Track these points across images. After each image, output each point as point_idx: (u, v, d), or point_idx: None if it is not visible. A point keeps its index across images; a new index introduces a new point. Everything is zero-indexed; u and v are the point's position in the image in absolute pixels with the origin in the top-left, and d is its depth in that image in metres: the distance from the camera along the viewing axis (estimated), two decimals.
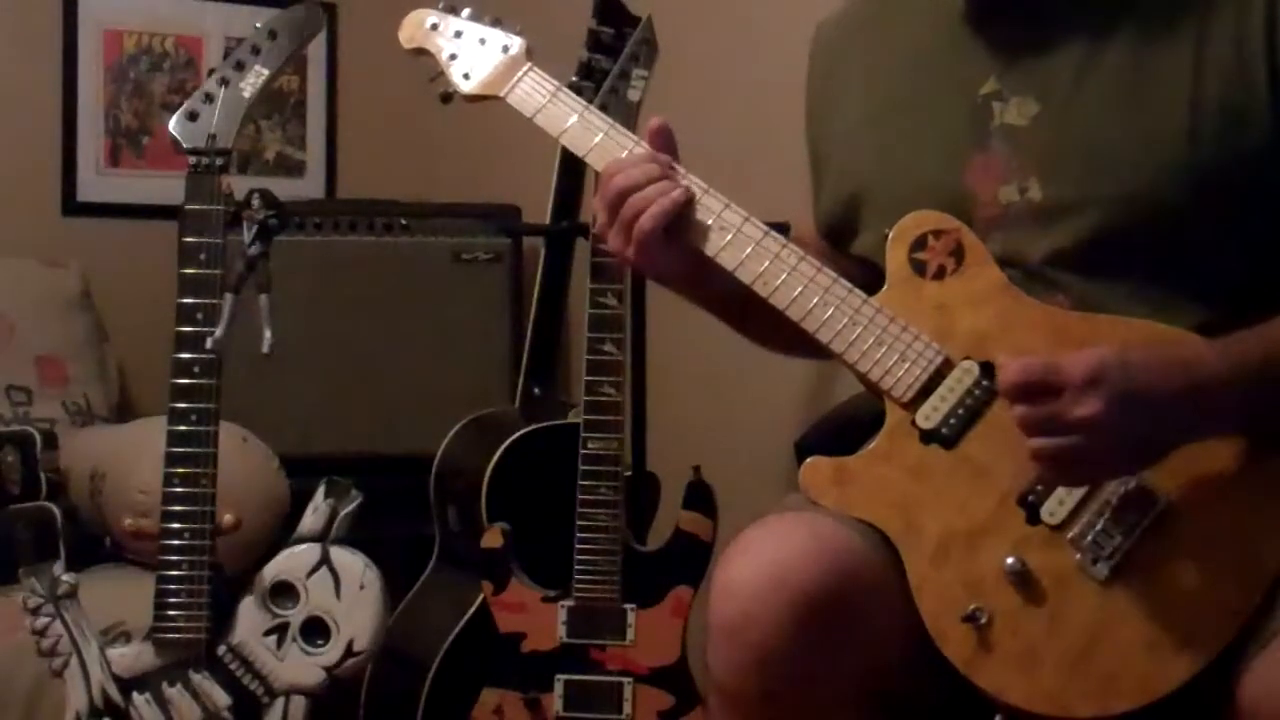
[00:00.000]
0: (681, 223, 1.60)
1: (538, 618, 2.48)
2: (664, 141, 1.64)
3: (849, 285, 1.59)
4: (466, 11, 1.77)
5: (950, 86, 1.65)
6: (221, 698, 2.11)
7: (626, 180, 1.59)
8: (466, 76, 1.75)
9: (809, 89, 1.84)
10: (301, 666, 2.13)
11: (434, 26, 1.77)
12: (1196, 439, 1.48)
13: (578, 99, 1.69)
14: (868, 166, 1.71)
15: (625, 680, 2.47)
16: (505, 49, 1.73)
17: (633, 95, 2.38)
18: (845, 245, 1.75)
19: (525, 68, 1.71)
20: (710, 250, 1.61)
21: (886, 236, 1.61)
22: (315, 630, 2.13)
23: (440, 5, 1.78)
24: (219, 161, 2.11)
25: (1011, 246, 1.59)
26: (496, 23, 1.76)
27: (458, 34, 1.76)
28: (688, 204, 1.59)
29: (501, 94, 1.72)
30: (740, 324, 1.80)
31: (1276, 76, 1.52)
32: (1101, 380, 1.42)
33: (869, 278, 1.64)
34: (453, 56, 1.75)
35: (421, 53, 1.78)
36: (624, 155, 1.63)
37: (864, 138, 1.72)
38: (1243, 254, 1.56)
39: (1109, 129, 1.56)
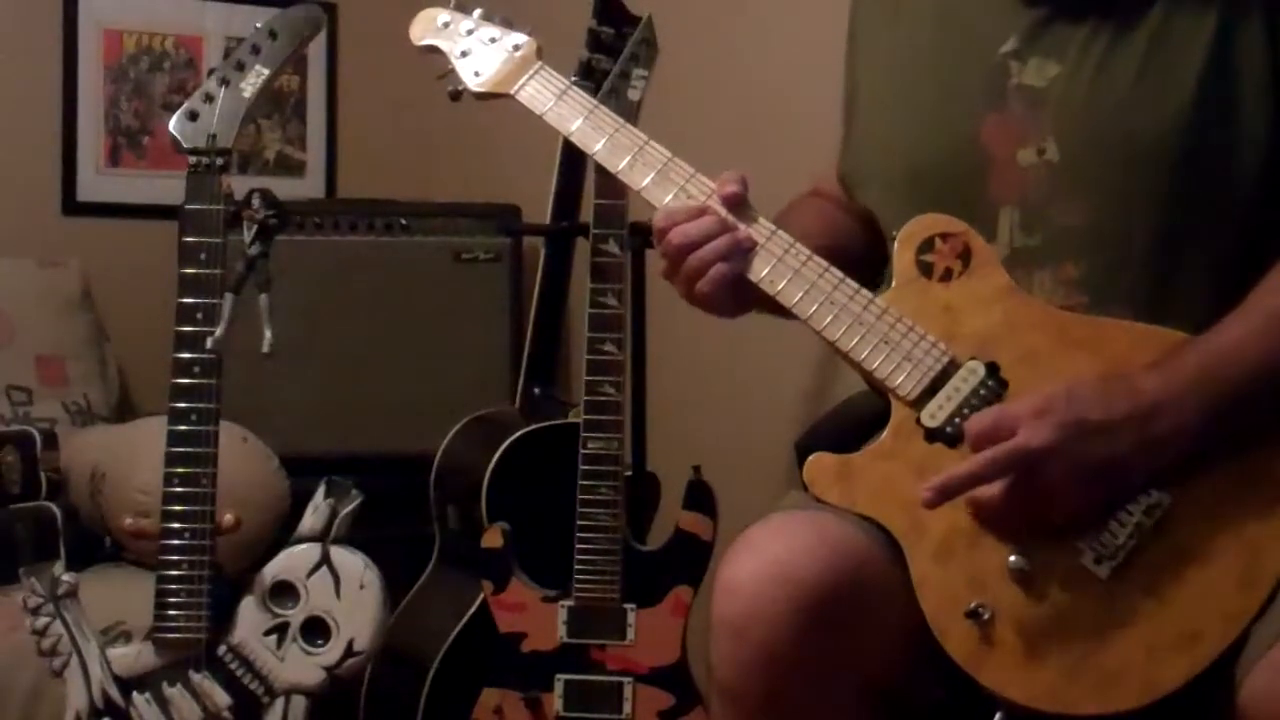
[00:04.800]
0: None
1: (538, 617, 2.48)
2: (735, 200, 1.63)
3: (855, 285, 1.59)
4: (478, 11, 1.78)
5: (970, 42, 1.65)
6: (221, 698, 2.11)
7: (684, 238, 1.60)
8: (477, 74, 1.75)
9: (850, 26, 1.83)
10: (302, 666, 2.13)
11: (445, 25, 1.78)
12: (1156, 462, 1.49)
13: (588, 97, 1.71)
14: (887, 122, 1.71)
15: (625, 680, 2.47)
16: (516, 47, 1.74)
17: (633, 95, 2.38)
18: (858, 195, 1.76)
19: (536, 66, 1.72)
20: None
21: (893, 237, 1.62)
22: (315, 630, 2.13)
23: (451, 4, 1.79)
24: (219, 161, 2.10)
25: (1031, 210, 1.60)
26: (507, 23, 1.77)
27: (469, 32, 1.77)
28: (745, 262, 1.60)
29: (512, 91, 1.72)
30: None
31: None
32: (1049, 410, 1.47)
33: (874, 233, 1.67)
34: (464, 54, 1.76)
35: (432, 50, 1.79)
36: (672, 201, 1.63)
37: (885, 88, 1.73)
38: (1256, 211, 1.57)
39: (1124, 92, 1.57)
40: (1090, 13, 1.60)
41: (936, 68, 1.68)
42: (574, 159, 2.72)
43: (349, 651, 2.13)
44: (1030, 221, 1.60)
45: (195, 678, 2.11)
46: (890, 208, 1.67)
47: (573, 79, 2.42)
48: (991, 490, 1.49)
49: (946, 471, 1.50)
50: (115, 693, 2.09)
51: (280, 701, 2.12)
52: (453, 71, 1.77)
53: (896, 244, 1.61)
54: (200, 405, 2.08)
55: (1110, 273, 1.57)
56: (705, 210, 1.62)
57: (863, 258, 1.71)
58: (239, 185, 2.13)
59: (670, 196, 1.64)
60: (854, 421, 1.70)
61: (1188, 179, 1.55)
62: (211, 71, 2.15)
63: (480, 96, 1.76)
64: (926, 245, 1.60)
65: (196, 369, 2.08)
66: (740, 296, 1.63)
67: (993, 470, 1.49)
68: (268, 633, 2.12)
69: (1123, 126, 1.56)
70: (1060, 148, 1.59)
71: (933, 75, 1.68)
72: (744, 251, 1.60)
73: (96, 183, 3.47)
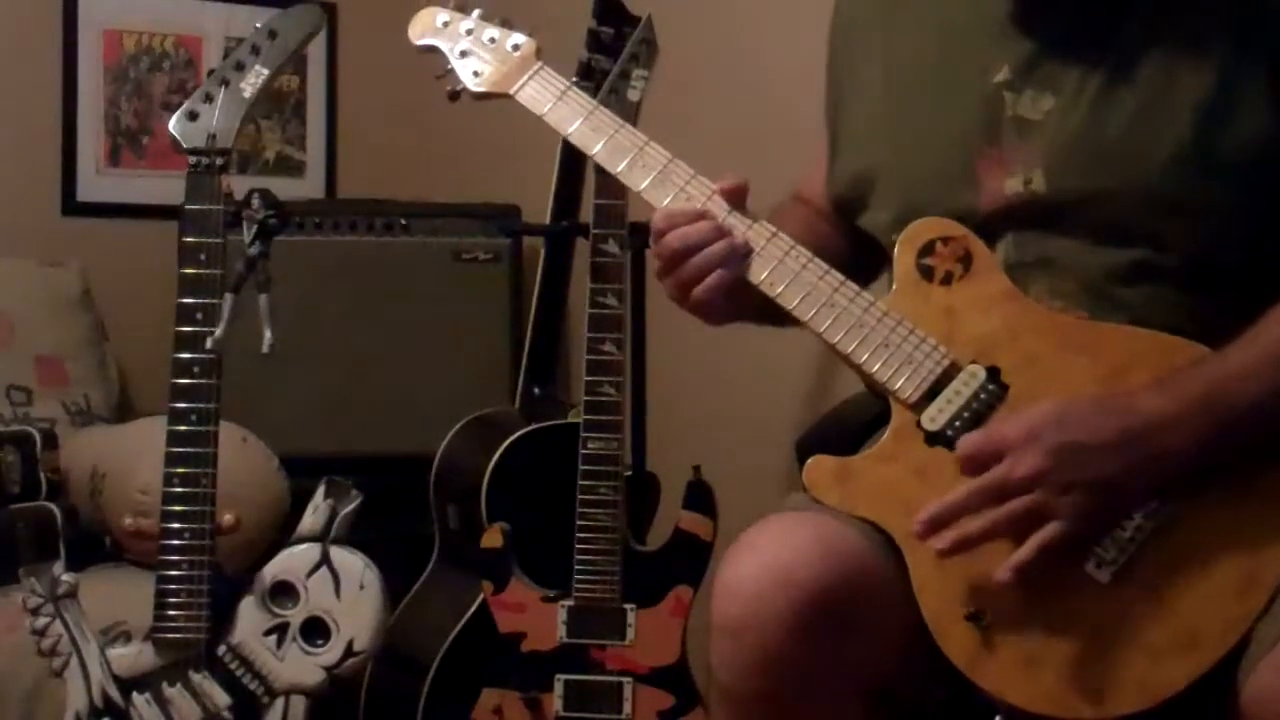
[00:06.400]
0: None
1: (538, 618, 2.48)
2: (734, 198, 1.64)
3: (855, 288, 1.59)
4: (477, 11, 1.78)
5: (966, 73, 1.64)
6: (221, 698, 2.11)
7: (682, 242, 1.60)
8: (476, 74, 1.75)
9: (830, 57, 1.82)
10: (301, 666, 2.13)
11: (445, 24, 1.78)
12: (1147, 482, 1.49)
13: (587, 98, 1.71)
14: (882, 148, 1.70)
15: (625, 680, 2.47)
16: (515, 47, 1.74)
17: (633, 95, 2.38)
18: (853, 219, 1.75)
19: (536, 66, 1.72)
20: None
21: (894, 241, 1.62)
22: (315, 630, 2.13)
23: (451, 4, 1.79)
24: (219, 161, 2.10)
25: (1018, 238, 1.60)
26: (507, 23, 1.76)
27: (468, 32, 1.77)
28: (744, 266, 1.60)
29: (511, 91, 1.72)
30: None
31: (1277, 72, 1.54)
32: (1037, 437, 1.47)
33: (872, 253, 1.67)
34: (463, 54, 1.76)
35: (431, 50, 1.78)
36: (672, 202, 1.63)
37: (880, 118, 1.72)
38: (1246, 239, 1.57)
39: (1119, 127, 1.56)
40: (1083, 50, 1.59)
41: (934, 99, 1.67)
42: (574, 159, 2.72)
43: (349, 651, 2.13)
44: (1022, 242, 1.60)
45: (195, 678, 2.11)
46: (888, 234, 1.66)
47: (573, 79, 2.43)
48: (980, 522, 1.49)
49: (934, 503, 1.50)
50: (115, 693, 2.09)
51: (280, 701, 2.12)
52: (451, 71, 1.77)
53: (897, 247, 1.61)
54: (200, 405, 2.08)
55: (1108, 286, 1.57)
56: (705, 214, 1.62)
57: (844, 267, 1.71)
58: (239, 185, 2.13)
59: (670, 198, 1.64)
60: (854, 422, 1.70)
61: (1176, 223, 1.55)
62: (211, 71, 2.15)
63: (479, 97, 1.75)
64: (927, 248, 1.60)
65: (196, 369, 2.08)
66: (732, 304, 1.63)
67: (979, 500, 1.49)
68: (268, 633, 2.12)
69: (1113, 167, 1.56)
70: (1047, 180, 1.58)
71: (930, 106, 1.67)
72: (741, 257, 1.60)
73: (96, 183, 3.46)
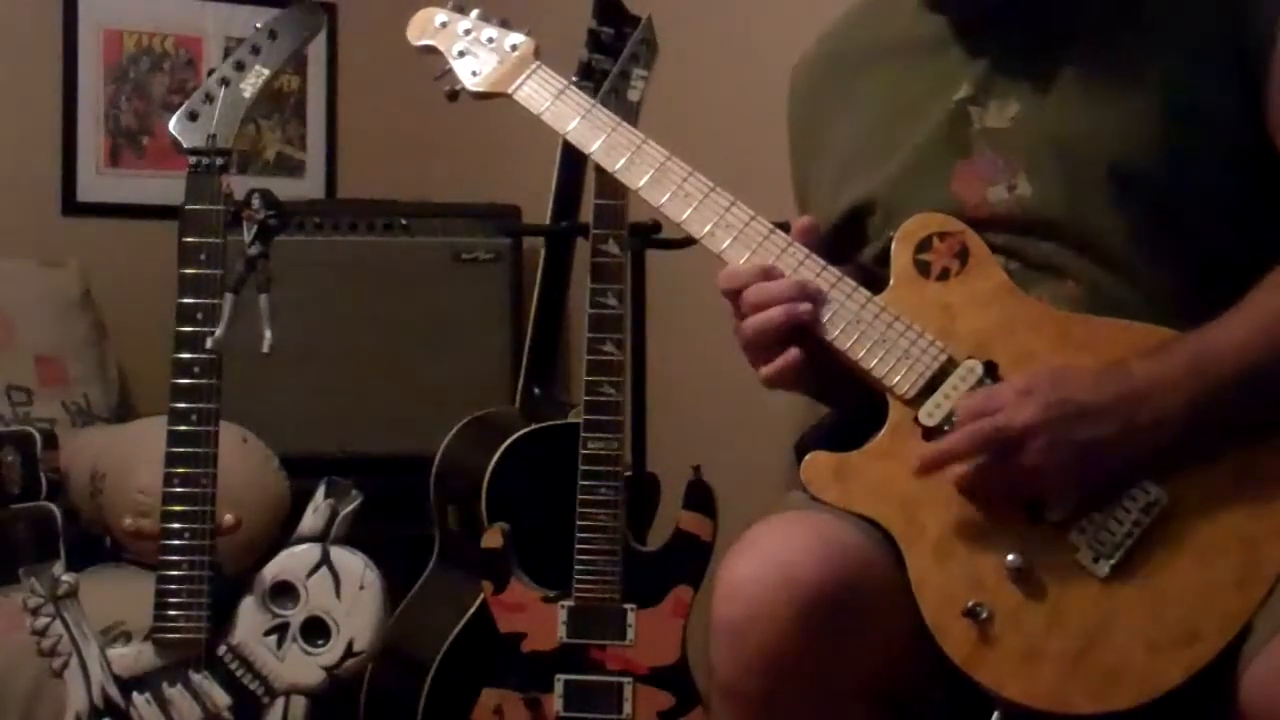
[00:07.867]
0: None
1: (538, 618, 2.48)
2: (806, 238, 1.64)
3: (853, 284, 1.60)
4: (475, 11, 1.79)
5: (926, 99, 1.67)
6: (221, 698, 2.11)
7: (757, 297, 1.59)
8: (474, 74, 1.76)
9: (791, 127, 1.85)
10: (301, 666, 2.13)
11: (443, 24, 1.79)
12: (1140, 450, 1.50)
13: (585, 97, 1.72)
14: (860, 188, 1.72)
15: (625, 680, 2.47)
16: (513, 47, 1.75)
17: (633, 95, 2.38)
18: (837, 260, 1.75)
19: (533, 66, 1.73)
20: (715, 248, 1.63)
21: (889, 236, 1.62)
22: (315, 630, 2.13)
23: (449, 4, 1.80)
24: (219, 161, 2.11)
25: (1009, 243, 1.61)
26: (505, 23, 1.78)
27: (466, 32, 1.78)
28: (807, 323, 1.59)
29: (509, 91, 1.73)
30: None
31: (1243, 56, 1.56)
32: (1034, 390, 1.49)
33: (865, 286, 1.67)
34: (461, 54, 1.77)
35: (429, 50, 1.79)
36: (670, 200, 1.63)
37: (853, 163, 1.74)
38: (1228, 221, 1.59)
39: (1089, 118, 1.58)
40: (1042, 53, 1.62)
41: (903, 126, 1.68)
42: (574, 159, 2.72)
43: (349, 651, 2.13)
44: (1012, 250, 1.61)
45: (195, 678, 2.11)
46: (883, 260, 1.66)
47: (573, 79, 2.44)
48: (970, 467, 1.50)
49: (929, 447, 1.52)
50: (115, 693, 2.09)
51: (280, 701, 2.12)
52: (450, 71, 1.78)
53: (894, 243, 1.62)
54: (200, 405, 2.09)
55: (1112, 287, 1.58)
56: (771, 272, 1.60)
57: None
58: (239, 185, 2.14)
59: (668, 196, 1.64)
60: (854, 423, 1.70)
61: (1161, 212, 1.57)
62: (211, 71, 2.15)
63: (477, 96, 1.77)
64: (924, 244, 1.61)
65: (196, 369, 2.08)
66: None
67: (972, 445, 1.50)
68: (268, 633, 2.12)
69: (1097, 157, 1.58)
70: (1031, 182, 1.60)
71: (901, 133, 1.68)
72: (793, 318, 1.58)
73: (96, 183, 3.47)
